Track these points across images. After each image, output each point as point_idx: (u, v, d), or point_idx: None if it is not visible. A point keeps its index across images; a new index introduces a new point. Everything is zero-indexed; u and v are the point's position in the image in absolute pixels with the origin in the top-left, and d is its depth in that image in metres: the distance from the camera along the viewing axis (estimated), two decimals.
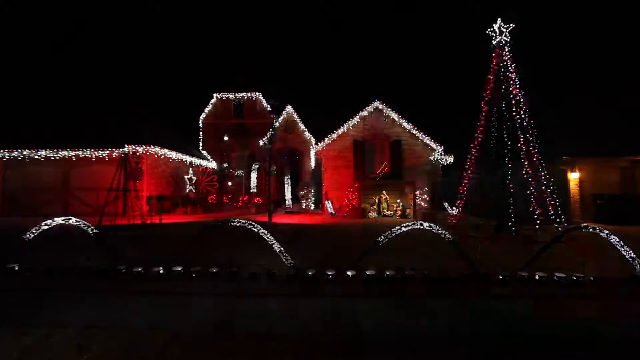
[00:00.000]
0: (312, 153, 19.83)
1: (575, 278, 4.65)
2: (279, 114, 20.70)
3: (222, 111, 22.97)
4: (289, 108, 21.40)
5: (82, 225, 5.54)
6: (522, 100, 8.81)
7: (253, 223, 5.57)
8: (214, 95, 23.02)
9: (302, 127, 21.43)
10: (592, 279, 4.67)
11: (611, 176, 12.62)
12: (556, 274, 4.73)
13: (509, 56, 8.96)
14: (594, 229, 5.07)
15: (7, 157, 14.04)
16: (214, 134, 22.71)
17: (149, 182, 14.18)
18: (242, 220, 5.59)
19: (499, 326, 3.41)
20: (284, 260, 5.39)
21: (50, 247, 6.56)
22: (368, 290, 4.40)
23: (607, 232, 5.08)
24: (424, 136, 15.67)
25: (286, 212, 15.87)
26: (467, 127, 10.19)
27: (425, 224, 5.27)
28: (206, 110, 23.09)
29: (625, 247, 5.14)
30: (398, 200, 14.31)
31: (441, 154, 16.00)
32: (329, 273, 4.83)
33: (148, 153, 13.97)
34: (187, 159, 17.25)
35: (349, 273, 4.81)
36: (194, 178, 17.55)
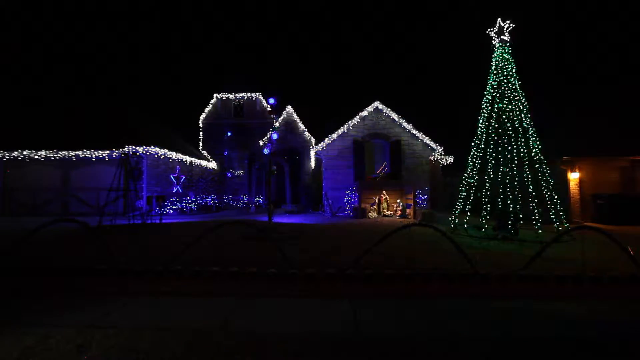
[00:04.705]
0: (312, 153, 19.84)
1: (575, 277, 4.67)
2: (279, 114, 20.70)
3: (222, 111, 22.97)
4: (289, 108, 21.41)
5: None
6: (522, 99, 8.81)
7: (253, 223, 5.58)
8: (214, 95, 23.02)
9: (302, 127, 21.44)
10: (592, 278, 4.68)
11: (611, 176, 12.62)
12: (556, 274, 4.74)
13: (509, 55, 8.97)
14: (594, 229, 5.08)
15: (7, 157, 14.04)
16: (214, 134, 22.71)
17: (148, 182, 14.18)
18: (242, 220, 5.59)
19: (499, 326, 3.41)
20: (284, 260, 5.39)
21: (52, 247, 6.57)
22: (369, 289, 4.40)
23: (607, 232, 5.08)
24: (424, 136, 15.68)
25: (286, 212, 15.87)
26: (468, 127, 10.20)
27: (426, 224, 5.27)
28: (206, 110, 23.09)
29: (625, 247, 5.14)
30: (398, 201, 14.31)
31: (441, 154, 16.01)
32: (329, 272, 4.84)
33: (148, 153, 13.97)
34: (187, 159, 17.25)
35: (348, 272, 4.82)
36: (194, 178, 17.55)
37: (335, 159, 15.86)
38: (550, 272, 4.89)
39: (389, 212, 14.26)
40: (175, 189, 16.30)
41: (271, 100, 11.32)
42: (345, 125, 15.90)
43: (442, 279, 4.69)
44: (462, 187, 9.69)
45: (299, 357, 2.74)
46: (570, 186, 12.74)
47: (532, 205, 8.37)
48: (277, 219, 11.97)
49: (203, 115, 23.06)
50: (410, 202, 14.06)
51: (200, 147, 22.73)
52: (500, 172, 8.71)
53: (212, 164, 21.32)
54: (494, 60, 9.23)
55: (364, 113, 15.92)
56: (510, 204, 8.44)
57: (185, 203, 15.48)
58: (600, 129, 13.12)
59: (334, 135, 15.90)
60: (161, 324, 3.39)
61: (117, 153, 13.78)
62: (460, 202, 9.71)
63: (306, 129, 21.44)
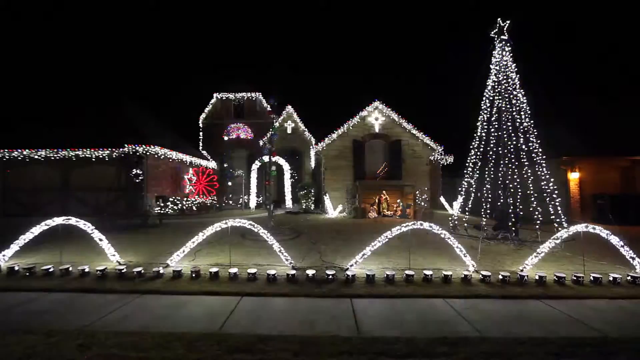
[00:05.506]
0: (312, 153, 19.83)
1: (575, 277, 4.68)
2: (279, 114, 20.69)
3: (222, 111, 22.97)
4: (289, 108, 21.42)
5: (82, 226, 5.55)
6: (522, 99, 8.81)
7: (253, 223, 5.58)
8: (214, 95, 23.01)
9: (302, 127, 21.44)
10: (592, 278, 4.69)
11: (611, 176, 12.62)
12: (556, 274, 4.75)
13: (509, 55, 8.97)
14: (594, 229, 5.09)
15: (7, 157, 14.04)
16: (214, 134, 22.72)
17: (149, 182, 14.17)
18: (242, 221, 5.60)
19: (499, 325, 3.42)
20: (284, 260, 5.40)
21: (51, 247, 6.57)
22: (369, 289, 4.41)
23: (607, 232, 5.09)
24: (424, 136, 15.69)
25: (286, 213, 15.86)
26: (467, 127, 10.19)
27: (426, 224, 5.28)
28: (206, 110, 23.09)
29: (625, 247, 5.15)
30: (398, 200, 14.30)
31: (441, 154, 16.01)
32: (329, 273, 4.84)
33: (148, 153, 13.97)
34: (187, 158, 17.24)
35: (348, 273, 4.83)
36: (194, 178, 17.57)
37: (335, 159, 15.86)
38: (550, 272, 4.91)
39: (389, 212, 14.25)
40: (176, 189, 16.31)
41: (271, 100, 11.33)
42: (345, 125, 15.91)
43: (443, 280, 4.70)
44: (462, 187, 9.70)
45: (299, 356, 2.74)
46: (570, 186, 12.74)
47: (532, 206, 8.37)
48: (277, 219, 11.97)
49: (203, 115, 23.05)
50: (410, 202, 14.06)
51: (200, 147, 22.73)
52: (500, 172, 8.72)
53: (212, 164, 21.32)
54: (493, 59, 9.22)
55: (364, 113, 15.93)
56: (510, 204, 8.44)
57: (186, 203, 15.47)
58: (601, 129, 13.12)
59: (334, 135, 15.91)
60: (162, 324, 3.40)
61: (117, 153, 13.78)
62: (460, 202, 9.71)
63: (306, 129, 21.43)
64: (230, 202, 20.02)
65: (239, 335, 3.13)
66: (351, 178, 15.55)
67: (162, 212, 13.24)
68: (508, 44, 9.00)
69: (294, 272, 4.85)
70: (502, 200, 8.65)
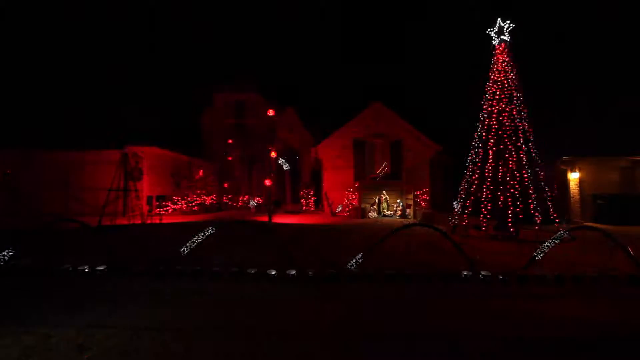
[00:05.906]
0: (312, 153, 19.86)
1: (575, 277, 4.68)
2: (279, 114, 20.71)
3: (222, 111, 22.98)
4: (290, 108, 21.44)
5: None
6: (521, 99, 8.81)
7: (254, 223, 5.58)
8: (214, 95, 23.02)
9: (302, 127, 21.46)
10: (592, 277, 4.69)
11: (611, 176, 12.62)
12: (555, 273, 4.74)
13: (509, 55, 8.97)
14: (594, 229, 5.09)
15: (8, 157, 14.05)
16: (214, 134, 22.73)
17: (149, 182, 14.17)
18: (242, 220, 5.60)
19: (499, 326, 3.41)
20: (284, 259, 5.39)
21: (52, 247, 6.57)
22: (370, 289, 4.41)
23: (606, 232, 5.09)
24: (424, 136, 15.69)
25: (286, 212, 15.87)
26: (467, 127, 10.19)
27: (426, 224, 5.28)
28: (206, 110, 23.11)
29: (625, 247, 5.15)
30: (398, 200, 14.31)
31: (441, 154, 16.02)
32: (329, 272, 4.84)
33: (148, 153, 13.97)
34: (188, 158, 17.24)
35: (349, 272, 4.83)
36: (194, 178, 17.56)
37: (335, 159, 15.86)
38: (550, 272, 4.90)
39: (389, 212, 14.25)
40: (176, 189, 16.30)
41: (271, 101, 11.35)
42: (345, 125, 15.91)
43: (442, 279, 4.70)
44: (462, 187, 9.69)
45: (299, 358, 2.74)
46: (570, 186, 12.74)
47: (533, 206, 8.37)
48: (277, 219, 11.96)
49: (203, 115, 23.07)
50: (410, 202, 14.07)
51: (201, 147, 22.75)
52: (500, 172, 8.71)
53: (212, 164, 21.33)
54: (493, 60, 9.22)
55: (364, 113, 15.92)
56: (510, 204, 8.43)
57: (186, 203, 15.48)
58: (601, 129, 13.14)
59: (334, 135, 15.90)
60: (161, 324, 3.39)
61: (117, 153, 13.78)
62: (460, 202, 9.70)
63: (306, 129, 21.45)
64: (230, 202, 20.03)
65: (238, 335, 3.13)
66: (351, 178, 15.55)
67: (162, 212, 13.23)
68: (508, 44, 8.99)
69: (294, 271, 4.85)
70: (502, 200, 8.64)
